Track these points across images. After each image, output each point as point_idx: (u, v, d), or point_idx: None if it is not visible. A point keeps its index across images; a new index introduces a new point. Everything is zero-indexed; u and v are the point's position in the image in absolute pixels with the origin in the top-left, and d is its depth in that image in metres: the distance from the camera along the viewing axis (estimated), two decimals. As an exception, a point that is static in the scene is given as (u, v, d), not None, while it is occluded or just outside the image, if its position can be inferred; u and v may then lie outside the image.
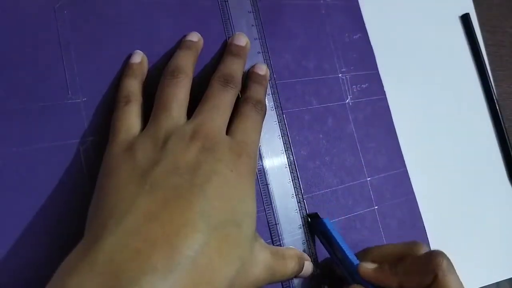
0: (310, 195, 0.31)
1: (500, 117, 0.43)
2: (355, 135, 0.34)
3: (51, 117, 0.24)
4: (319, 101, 0.33)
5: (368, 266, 0.26)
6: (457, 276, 0.24)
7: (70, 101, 0.24)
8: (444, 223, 0.37)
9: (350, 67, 0.35)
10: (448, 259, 0.24)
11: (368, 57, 0.37)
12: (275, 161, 0.30)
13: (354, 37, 0.36)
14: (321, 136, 0.33)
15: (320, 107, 0.33)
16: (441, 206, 0.37)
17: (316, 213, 0.29)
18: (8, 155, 0.22)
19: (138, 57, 0.25)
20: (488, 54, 0.46)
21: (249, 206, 0.22)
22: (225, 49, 0.28)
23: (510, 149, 0.43)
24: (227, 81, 0.25)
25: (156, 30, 0.28)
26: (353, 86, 0.35)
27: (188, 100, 0.24)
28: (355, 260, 0.26)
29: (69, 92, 0.24)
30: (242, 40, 0.28)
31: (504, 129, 0.43)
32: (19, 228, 0.22)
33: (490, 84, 0.44)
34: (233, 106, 0.25)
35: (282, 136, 0.31)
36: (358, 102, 0.35)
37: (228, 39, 0.29)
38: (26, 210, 0.22)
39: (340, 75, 0.35)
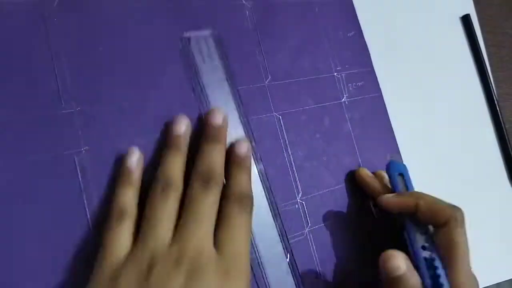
0: (309, 196, 0.31)
1: (501, 117, 0.43)
2: (352, 134, 0.34)
3: (45, 128, 0.24)
4: (315, 101, 0.33)
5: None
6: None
7: (63, 111, 0.24)
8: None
9: (345, 65, 0.35)
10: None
11: (363, 55, 0.37)
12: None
13: (348, 35, 0.36)
14: (318, 136, 0.33)
15: (316, 107, 0.33)
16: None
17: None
18: (1, 167, 0.22)
19: (134, 158, 0.25)
20: (488, 55, 0.45)
21: None
22: (202, 133, 0.26)
23: (510, 150, 0.43)
24: (207, 180, 0.24)
25: (149, 36, 0.28)
26: (349, 85, 0.35)
27: (177, 211, 0.23)
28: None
29: (62, 102, 0.24)
30: (217, 117, 0.26)
31: (504, 129, 0.43)
32: (14, 239, 0.22)
33: (490, 84, 0.44)
34: (218, 205, 0.24)
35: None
36: (354, 100, 0.35)
37: (204, 115, 0.27)
38: (21, 221, 0.22)
39: (335, 73, 0.35)
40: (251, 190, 0.26)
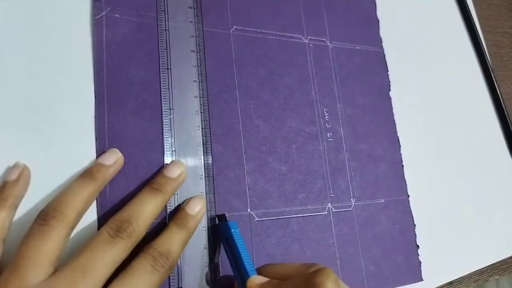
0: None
1: (506, 114, 0.42)
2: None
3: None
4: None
5: (256, 281, 0.22)
6: None
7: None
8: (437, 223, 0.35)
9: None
10: (334, 278, 0.20)
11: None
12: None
13: None
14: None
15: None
16: (445, 206, 0.36)
17: (224, 214, 0.25)
18: None
19: (15, 172, 0.20)
20: (488, 55, 0.45)
21: None
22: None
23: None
24: (120, 230, 0.20)
25: None
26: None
27: (59, 250, 0.19)
28: (251, 271, 0.23)
29: None
30: (174, 171, 0.23)
31: (509, 125, 0.42)
32: None
33: (487, 61, 0.43)
34: (118, 263, 0.20)
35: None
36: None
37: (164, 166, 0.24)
38: None
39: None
40: (177, 254, 0.21)
